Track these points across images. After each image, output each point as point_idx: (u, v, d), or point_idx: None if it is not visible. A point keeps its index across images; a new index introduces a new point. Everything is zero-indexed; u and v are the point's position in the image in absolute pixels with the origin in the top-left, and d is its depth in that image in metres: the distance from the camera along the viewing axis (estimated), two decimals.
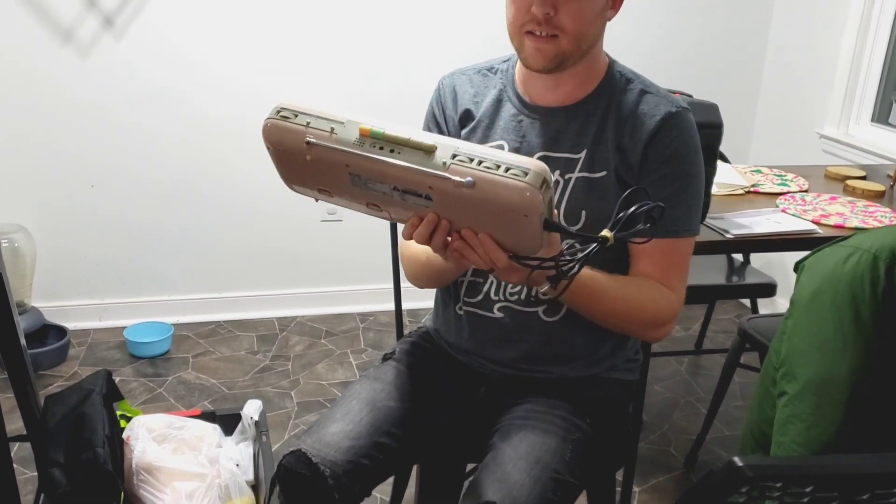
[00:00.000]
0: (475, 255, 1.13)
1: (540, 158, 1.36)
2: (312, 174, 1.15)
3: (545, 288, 1.20)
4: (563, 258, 1.12)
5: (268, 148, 1.14)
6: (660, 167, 1.34)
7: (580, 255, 1.10)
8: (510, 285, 1.43)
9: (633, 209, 1.09)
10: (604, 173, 1.36)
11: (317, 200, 1.22)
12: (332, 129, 1.09)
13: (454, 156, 1.05)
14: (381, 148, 1.07)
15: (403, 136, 1.07)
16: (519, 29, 1.31)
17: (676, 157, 1.34)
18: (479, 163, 1.04)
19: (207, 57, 2.88)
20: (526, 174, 1.03)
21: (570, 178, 1.37)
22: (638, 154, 1.35)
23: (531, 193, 1.03)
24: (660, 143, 1.34)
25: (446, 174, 1.04)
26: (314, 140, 1.09)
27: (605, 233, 1.10)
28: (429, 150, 1.06)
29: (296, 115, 1.11)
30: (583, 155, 1.37)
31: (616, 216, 1.11)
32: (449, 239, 1.14)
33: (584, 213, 1.36)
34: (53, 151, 2.84)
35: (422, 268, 1.43)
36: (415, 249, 1.36)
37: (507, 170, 1.03)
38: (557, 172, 1.37)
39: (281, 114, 1.12)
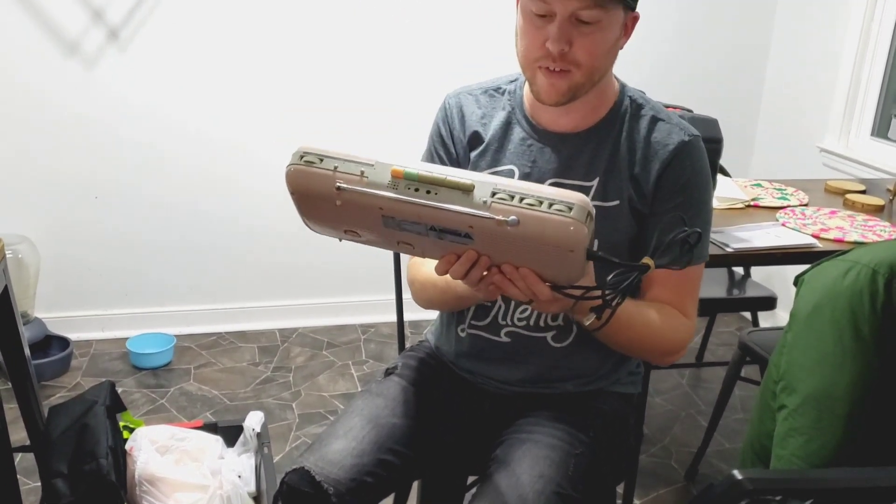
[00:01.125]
0: (514, 288, 1.12)
1: (551, 185, 1.35)
2: (340, 217, 1.12)
3: (590, 320, 1.16)
4: (606, 287, 1.10)
5: (291, 194, 1.11)
6: (673, 196, 1.34)
7: (623, 284, 1.08)
8: (519, 310, 1.42)
9: (671, 236, 1.08)
10: (617, 202, 1.35)
11: (340, 241, 1.19)
12: (363, 171, 1.06)
13: (494, 193, 1.03)
14: (417, 189, 1.04)
15: (439, 175, 1.04)
16: (532, 63, 1.28)
17: (689, 186, 1.34)
18: (521, 199, 1.02)
19: (212, 71, 2.90)
20: (570, 209, 1.01)
21: None
22: (651, 184, 1.34)
23: (576, 228, 1.01)
24: (673, 172, 1.33)
25: (489, 214, 1.02)
26: (345, 185, 1.06)
27: (647, 260, 1.09)
28: (467, 190, 1.03)
29: (321, 160, 1.07)
30: (595, 183, 1.35)
31: (655, 242, 1.10)
32: (485, 273, 1.12)
33: (596, 241, 1.34)
34: (58, 164, 2.85)
35: (439, 293, 1.40)
36: (431, 274, 1.28)
37: (550, 205, 1.01)
38: None
39: (305, 159, 1.08)
